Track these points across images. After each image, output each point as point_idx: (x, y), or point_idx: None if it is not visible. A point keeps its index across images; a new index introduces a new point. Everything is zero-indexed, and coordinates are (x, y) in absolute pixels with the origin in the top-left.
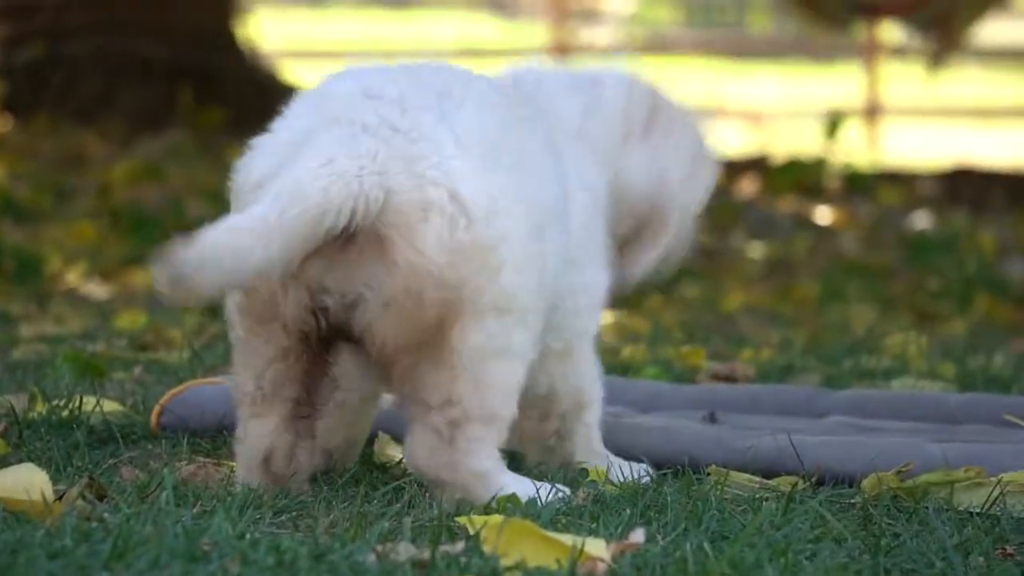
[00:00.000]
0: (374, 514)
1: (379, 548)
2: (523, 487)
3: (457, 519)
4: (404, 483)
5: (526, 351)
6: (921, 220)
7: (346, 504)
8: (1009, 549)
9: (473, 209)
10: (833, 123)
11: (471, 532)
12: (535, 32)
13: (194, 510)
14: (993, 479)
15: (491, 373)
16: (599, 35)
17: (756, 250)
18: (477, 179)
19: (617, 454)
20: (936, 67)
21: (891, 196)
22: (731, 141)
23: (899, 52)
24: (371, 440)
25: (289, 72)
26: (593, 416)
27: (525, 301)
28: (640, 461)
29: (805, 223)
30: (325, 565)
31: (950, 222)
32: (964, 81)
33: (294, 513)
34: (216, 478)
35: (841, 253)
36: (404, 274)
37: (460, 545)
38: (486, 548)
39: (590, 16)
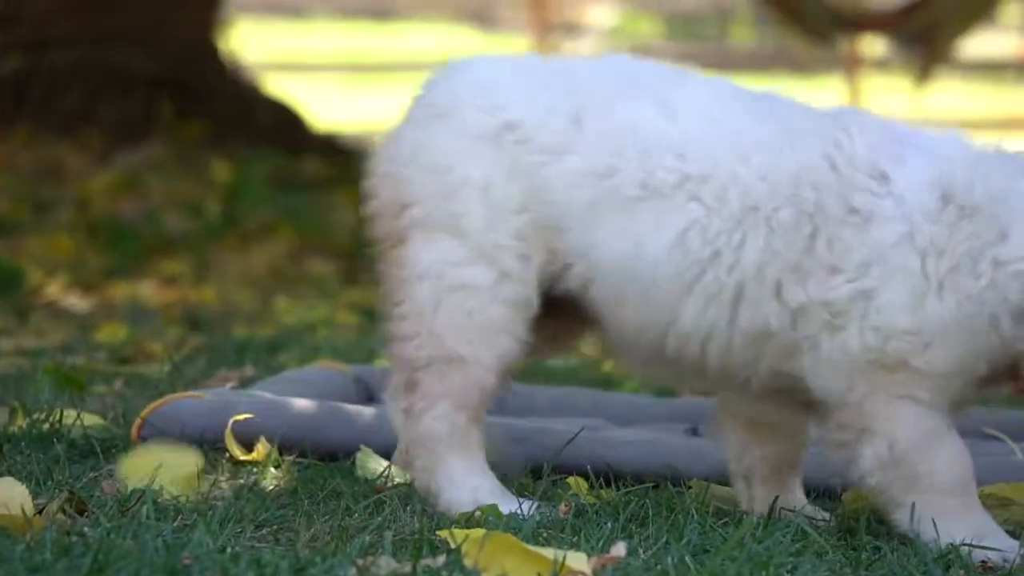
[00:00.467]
0: (355, 528)
1: (360, 562)
2: None
3: (438, 532)
4: (385, 497)
5: None
6: None
7: (327, 518)
8: (989, 562)
9: None
10: None
11: (452, 546)
12: (516, 45)
13: (175, 524)
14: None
15: None
16: (581, 48)
17: None
18: None
19: (598, 468)
20: (922, 81)
21: None
22: None
23: (881, 65)
24: (352, 454)
25: (271, 84)
26: None
27: None
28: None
29: None
30: None
31: None
32: (945, 93)
33: (275, 527)
34: (197, 492)
35: None
36: None
37: (441, 559)
38: (467, 562)
39: (572, 29)
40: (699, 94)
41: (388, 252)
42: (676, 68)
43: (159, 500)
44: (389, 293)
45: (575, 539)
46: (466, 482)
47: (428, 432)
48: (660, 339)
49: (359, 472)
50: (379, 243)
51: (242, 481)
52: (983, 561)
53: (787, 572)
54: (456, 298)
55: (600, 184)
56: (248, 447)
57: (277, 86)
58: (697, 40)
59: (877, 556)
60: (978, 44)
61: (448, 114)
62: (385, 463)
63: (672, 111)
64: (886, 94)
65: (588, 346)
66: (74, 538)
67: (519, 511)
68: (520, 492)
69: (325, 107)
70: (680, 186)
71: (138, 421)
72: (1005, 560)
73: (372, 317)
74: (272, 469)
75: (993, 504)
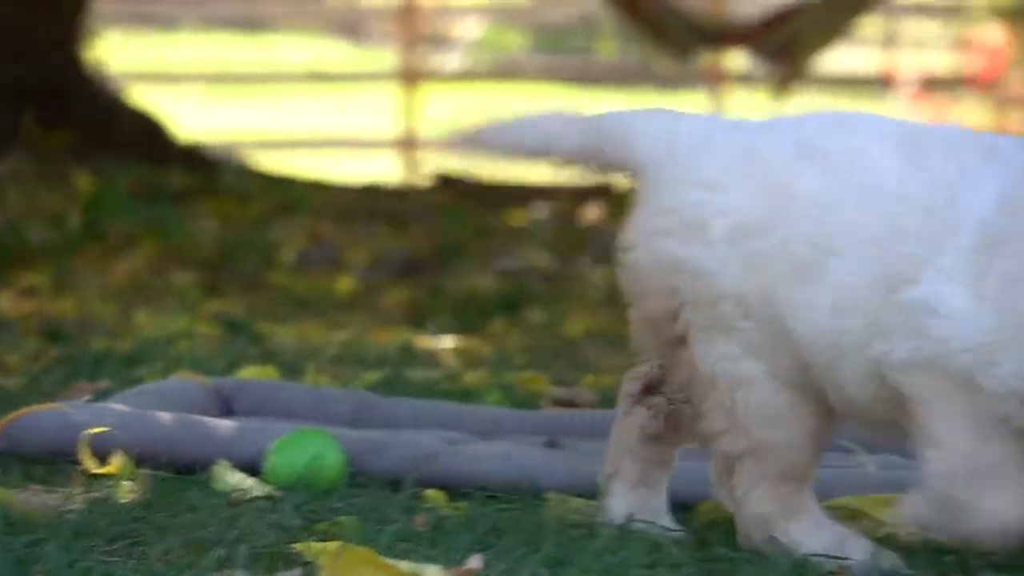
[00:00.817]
0: (209, 541)
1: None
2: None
3: (294, 546)
4: (241, 510)
5: None
6: None
7: (181, 531)
8: (841, 571)
9: None
10: None
11: (308, 559)
12: (384, 57)
13: (25, 538)
14: (824, 503)
15: None
16: (448, 61)
17: (600, 276)
18: None
19: (456, 481)
20: (781, 94)
21: None
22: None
23: (743, 79)
24: (209, 467)
25: (137, 95)
26: None
27: None
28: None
29: None
30: None
31: None
32: (808, 106)
33: (128, 541)
34: (50, 505)
35: None
36: None
37: (296, 572)
38: (323, 575)
39: (439, 42)
40: None
41: (669, 351)
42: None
43: (9, 514)
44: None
45: (432, 551)
46: (812, 534)
47: (758, 514)
48: None
49: (215, 485)
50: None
51: (96, 494)
52: (835, 570)
53: None
54: (741, 393)
55: None
56: (103, 460)
57: (143, 97)
58: (563, 53)
59: (731, 567)
60: (838, 59)
61: None
62: (241, 476)
63: None
64: (748, 108)
65: (449, 358)
66: None
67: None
68: (379, 504)
69: (192, 118)
70: None
71: None
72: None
73: (234, 328)
74: (127, 482)
75: (843, 517)
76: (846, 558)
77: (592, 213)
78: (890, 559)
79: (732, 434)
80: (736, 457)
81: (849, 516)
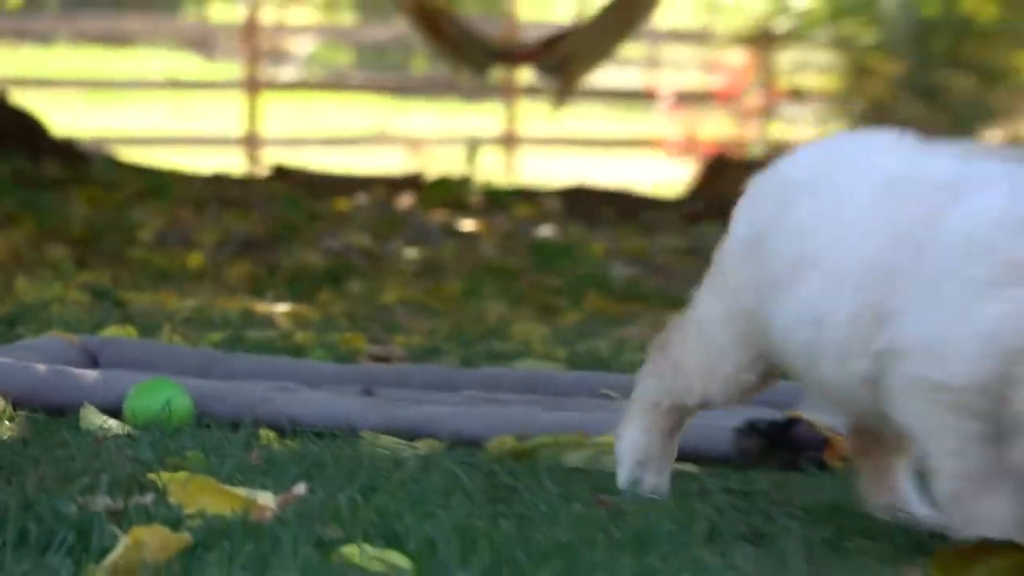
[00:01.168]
0: (77, 472)
1: (80, 500)
2: None
3: (148, 475)
4: (104, 446)
5: None
6: (545, 230)
7: (53, 464)
8: (604, 498)
9: None
10: (474, 149)
11: (160, 486)
12: (231, 69)
13: None
14: (592, 442)
15: None
16: (284, 73)
17: (411, 254)
18: None
19: (286, 423)
20: (558, 105)
21: (522, 210)
22: (393, 164)
23: (532, 92)
24: (77, 410)
25: (17, 99)
26: None
27: None
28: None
29: (452, 232)
30: (32, 514)
31: (569, 232)
32: (587, 117)
33: (7, 471)
34: None
35: (481, 257)
36: None
37: (150, 497)
38: (172, 500)
39: (278, 56)
40: None
41: None
42: None
43: None
44: None
45: (264, 480)
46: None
47: None
48: None
49: (83, 426)
50: None
51: None
52: (601, 496)
53: (440, 507)
54: None
55: None
56: None
57: (23, 100)
58: (382, 68)
59: (513, 494)
60: (608, 76)
61: None
62: (105, 418)
63: None
64: (536, 116)
65: (283, 321)
66: None
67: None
68: (220, 442)
69: (66, 118)
70: None
71: None
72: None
73: (99, 295)
74: (7, 422)
75: (610, 451)
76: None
77: (405, 201)
78: (655, 485)
79: None
80: None
81: (610, 449)
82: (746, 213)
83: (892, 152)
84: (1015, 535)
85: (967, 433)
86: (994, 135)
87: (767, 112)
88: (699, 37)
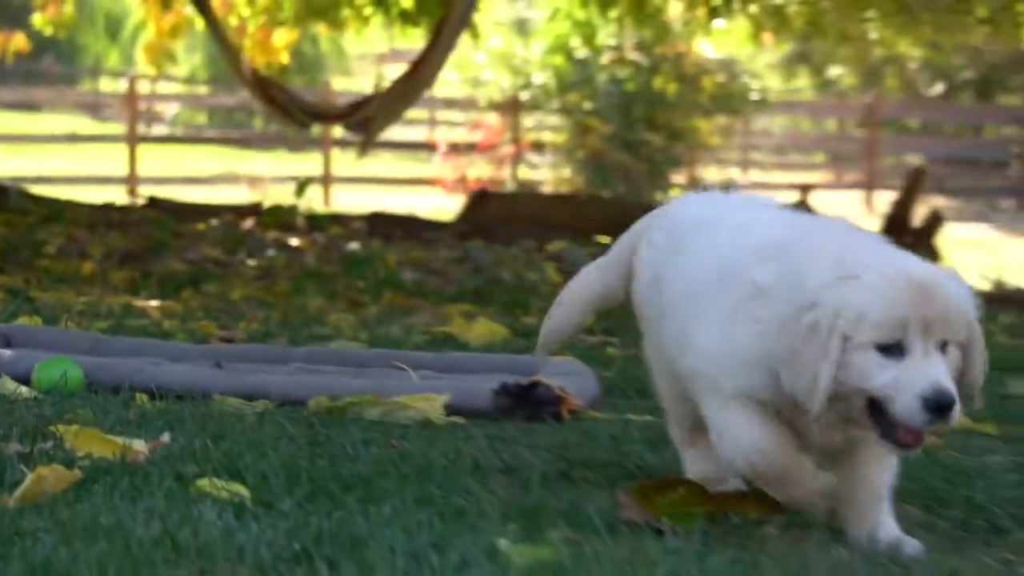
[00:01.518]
0: None
1: None
2: None
3: (50, 427)
4: (17, 407)
5: None
6: (353, 245)
7: None
8: (394, 443)
9: None
10: (301, 186)
11: (58, 435)
12: (116, 127)
13: None
14: (386, 401)
15: None
16: (156, 129)
17: (252, 263)
18: None
19: (155, 389)
20: (362, 154)
21: (335, 230)
22: (238, 197)
23: (342, 143)
24: None
25: None
26: None
27: None
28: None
29: (283, 246)
30: None
31: (370, 247)
32: (384, 162)
33: None
34: None
35: (304, 265)
36: None
37: (50, 444)
38: (67, 446)
39: (152, 117)
40: None
41: None
42: None
43: None
44: None
45: (138, 432)
46: None
47: None
48: None
49: (0, 391)
50: None
51: None
52: (392, 442)
53: (270, 450)
54: None
55: None
56: None
57: None
58: (230, 126)
59: (328, 440)
60: (400, 131)
61: None
62: (17, 384)
63: None
64: (346, 162)
65: (154, 313)
66: None
67: None
68: (105, 403)
69: None
70: None
71: None
72: None
73: (14, 294)
74: None
75: (398, 408)
76: None
77: (247, 224)
78: None
79: None
80: None
81: (400, 407)
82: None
83: (731, 207)
84: (814, 501)
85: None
86: (679, 178)
87: (516, 159)
88: (465, 104)
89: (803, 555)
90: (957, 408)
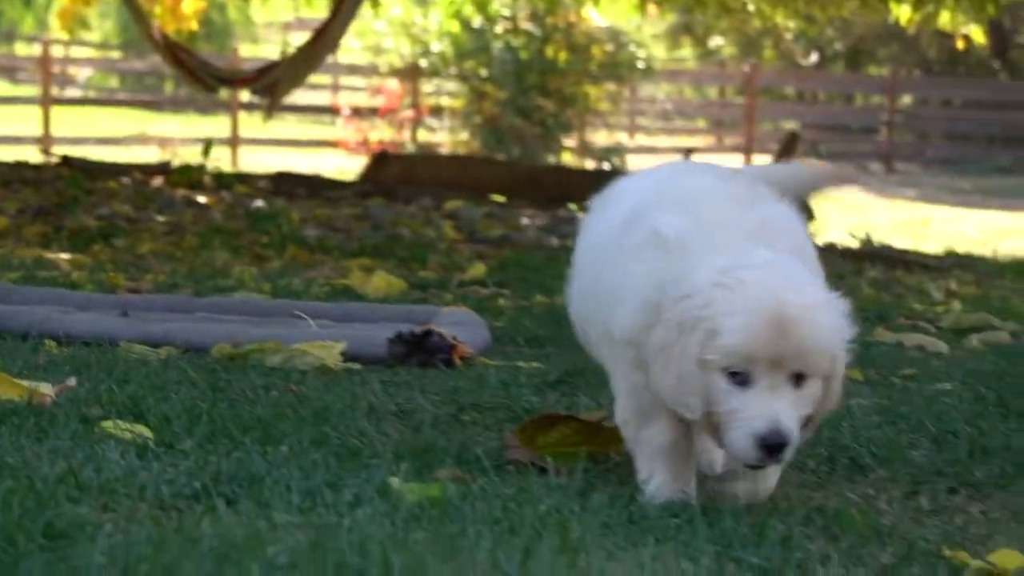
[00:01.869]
0: None
1: None
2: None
3: None
4: None
5: None
6: (258, 203)
7: None
8: (293, 387)
9: None
10: (206, 146)
11: None
12: (31, 89)
13: None
14: (287, 348)
15: None
16: (70, 92)
17: (160, 219)
18: None
19: (63, 336)
20: (268, 117)
21: (241, 189)
22: (149, 156)
23: (249, 107)
24: None
25: None
26: None
27: None
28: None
29: (191, 203)
30: None
31: (274, 205)
32: (289, 124)
33: None
34: None
35: (211, 221)
36: None
37: None
38: None
39: (65, 80)
40: None
41: None
42: None
43: None
44: None
45: (46, 376)
46: None
47: None
48: None
49: None
50: None
51: None
52: (291, 386)
53: (173, 393)
54: None
55: None
56: None
57: None
58: (141, 89)
59: (229, 384)
60: (304, 95)
61: None
62: None
63: None
64: (254, 125)
65: (65, 266)
66: None
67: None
68: (14, 349)
69: None
70: None
71: None
72: None
73: None
74: None
75: (297, 354)
76: None
77: (157, 182)
78: None
79: None
80: None
81: (300, 353)
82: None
83: (665, 171)
84: (667, 458)
85: (634, 377)
86: (570, 142)
87: (416, 123)
88: (367, 70)
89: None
90: (791, 448)
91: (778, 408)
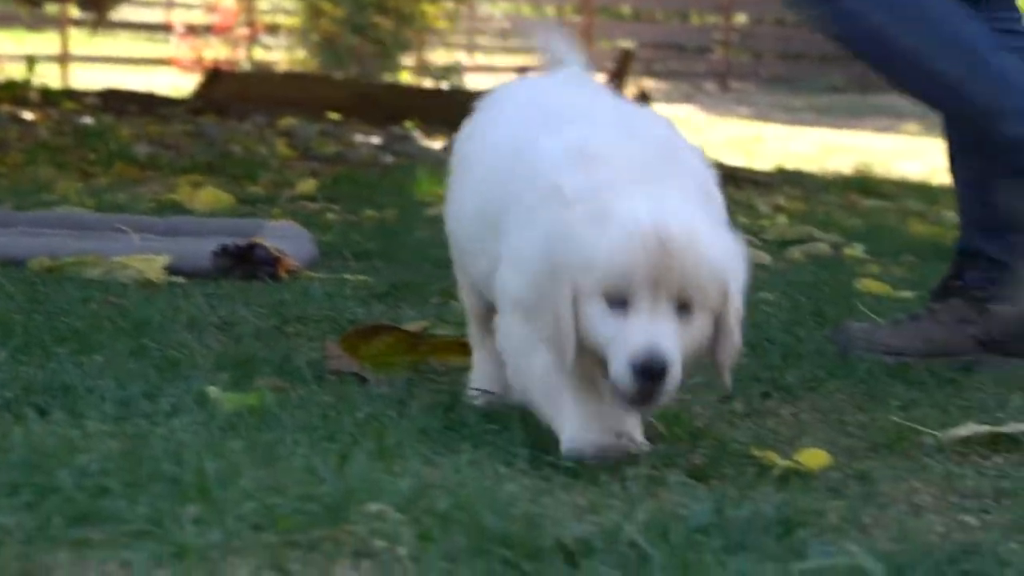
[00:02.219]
0: None
1: None
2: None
3: None
4: None
5: None
6: (86, 120)
7: None
8: (111, 299)
9: None
10: (30, 62)
11: None
12: None
13: None
14: (107, 261)
15: None
16: None
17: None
18: None
19: None
20: (94, 32)
21: (69, 105)
22: None
23: (78, 22)
24: None
25: None
26: None
27: None
28: None
29: (17, 120)
30: None
31: (103, 121)
32: (121, 41)
33: None
34: None
35: (37, 137)
36: None
37: None
38: None
39: None
40: None
41: None
42: None
43: None
44: None
45: None
46: None
47: None
48: None
49: None
50: None
51: None
52: (109, 298)
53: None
54: None
55: None
56: None
57: None
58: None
59: (45, 297)
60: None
61: None
62: None
63: None
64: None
65: None
66: None
67: None
68: None
69: None
70: None
71: None
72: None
73: None
74: None
75: (118, 268)
76: None
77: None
78: None
79: None
80: None
81: (121, 266)
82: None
83: (551, 86)
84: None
85: (526, 336)
86: (408, 60)
87: (251, 41)
88: None
89: (501, 397)
90: (673, 376)
91: (657, 331)
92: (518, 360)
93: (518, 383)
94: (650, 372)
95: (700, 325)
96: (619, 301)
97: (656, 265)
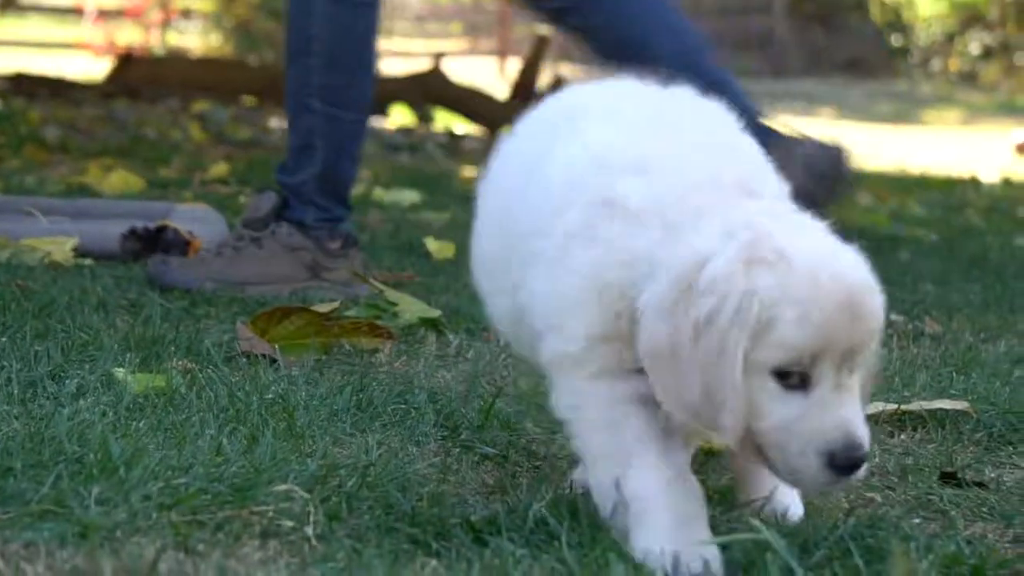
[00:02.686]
0: None
1: None
2: None
3: None
4: None
5: None
6: None
7: None
8: (20, 282)
9: None
10: None
11: None
12: None
13: None
14: (14, 244)
15: None
16: None
17: None
18: None
19: None
20: (2, 15)
21: None
22: None
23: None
24: None
25: None
26: None
27: None
28: None
29: None
30: None
31: (12, 105)
32: (32, 25)
33: None
34: None
35: None
36: None
37: None
38: None
39: None
40: None
41: None
42: None
43: None
44: None
45: None
46: None
47: None
48: None
49: None
50: None
51: None
52: (18, 281)
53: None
54: None
55: None
56: None
57: None
58: None
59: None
60: None
61: None
62: None
63: None
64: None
65: None
66: None
67: None
68: None
69: None
70: None
71: None
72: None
73: None
74: None
75: (26, 250)
76: None
77: None
78: None
79: None
80: None
81: (28, 249)
82: None
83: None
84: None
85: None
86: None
87: (165, 25)
88: None
89: (408, 378)
90: (867, 465)
91: (849, 414)
92: (602, 435)
93: (594, 454)
94: (849, 465)
95: (864, 381)
96: (795, 375)
97: (851, 333)
